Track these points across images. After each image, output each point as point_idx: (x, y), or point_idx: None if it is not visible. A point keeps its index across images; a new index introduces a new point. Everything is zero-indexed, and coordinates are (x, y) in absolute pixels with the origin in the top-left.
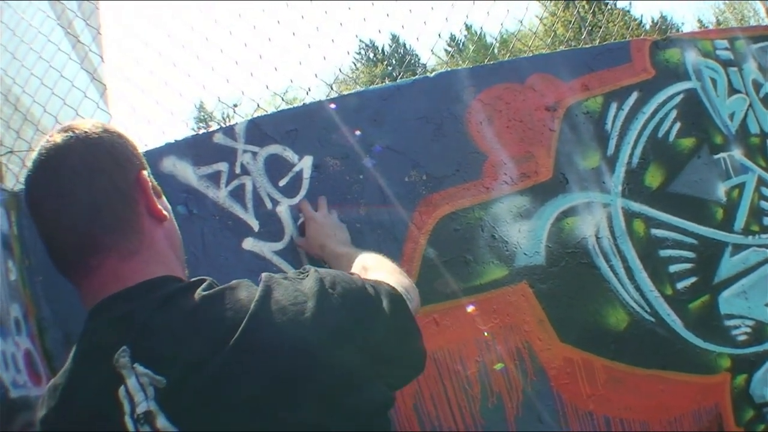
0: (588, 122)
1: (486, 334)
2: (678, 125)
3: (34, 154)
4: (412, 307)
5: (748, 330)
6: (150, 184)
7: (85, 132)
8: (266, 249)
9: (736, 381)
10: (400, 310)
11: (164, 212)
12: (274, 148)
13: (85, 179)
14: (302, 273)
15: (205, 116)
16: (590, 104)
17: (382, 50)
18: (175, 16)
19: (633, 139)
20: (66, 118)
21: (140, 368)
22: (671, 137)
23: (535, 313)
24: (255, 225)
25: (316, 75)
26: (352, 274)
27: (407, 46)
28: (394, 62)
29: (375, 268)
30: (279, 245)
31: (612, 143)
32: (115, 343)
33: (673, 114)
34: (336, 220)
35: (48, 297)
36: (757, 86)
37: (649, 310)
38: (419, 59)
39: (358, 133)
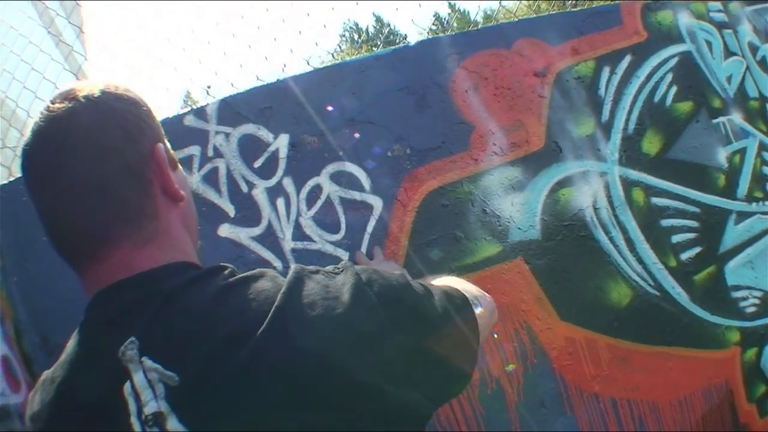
0: (580, 87)
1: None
2: (674, 89)
3: (32, 123)
4: (479, 313)
5: (757, 301)
6: (165, 159)
7: (94, 100)
8: (243, 235)
9: (747, 355)
10: (458, 311)
11: (181, 192)
12: (248, 128)
13: (94, 160)
14: (338, 268)
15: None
16: (581, 69)
17: (366, 31)
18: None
19: (628, 105)
20: None
21: (149, 363)
22: (668, 102)
23: (533, 290)
24: (230, 210)
25: (291, 51)
26: (396, 272)
27: (392, 27)
28: (379, 44)
29: (438, 280)
30: (257, 230)
31: (606, 109)
32: (122, 334)
33: (669, 77)
34: (394, 265)
35: (24, 299)
36: (754, 49)
37: (652, 284)
38: (405, 38)
39: (332, 108)
